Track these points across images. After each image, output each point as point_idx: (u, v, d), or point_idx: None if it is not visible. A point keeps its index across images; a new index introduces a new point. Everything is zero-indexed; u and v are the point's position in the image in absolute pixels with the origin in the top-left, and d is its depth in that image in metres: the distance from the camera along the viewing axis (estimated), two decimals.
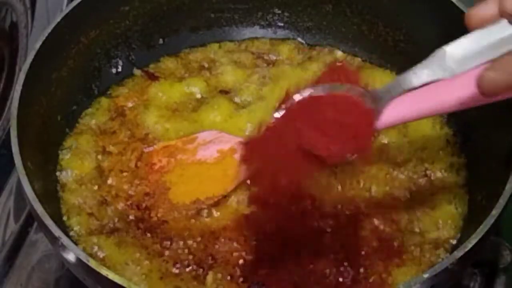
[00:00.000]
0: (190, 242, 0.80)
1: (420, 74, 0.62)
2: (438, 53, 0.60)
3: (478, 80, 0.59)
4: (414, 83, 0.63)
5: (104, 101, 0.95)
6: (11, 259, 0.91)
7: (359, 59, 1.01)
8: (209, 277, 0.77)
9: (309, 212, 0.83)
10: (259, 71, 0.99)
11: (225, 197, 0.83)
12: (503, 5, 0.57)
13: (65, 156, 0.88)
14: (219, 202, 0.83)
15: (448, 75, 0.60)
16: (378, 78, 0.97)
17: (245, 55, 1.01)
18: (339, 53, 1.02)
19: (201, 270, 0.78)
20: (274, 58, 1.02)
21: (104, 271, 0.66)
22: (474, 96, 0.74)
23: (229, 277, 0.77)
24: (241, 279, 0.77)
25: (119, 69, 0.98)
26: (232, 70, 0.99)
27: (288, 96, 0.67)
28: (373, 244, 0.80)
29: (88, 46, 0.93)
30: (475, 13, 0.58)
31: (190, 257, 0.79)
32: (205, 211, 0.83)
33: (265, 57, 1.02)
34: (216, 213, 0.83)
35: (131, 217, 0.81)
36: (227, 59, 1.01)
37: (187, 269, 0.78)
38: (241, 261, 0.79)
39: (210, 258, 0.79)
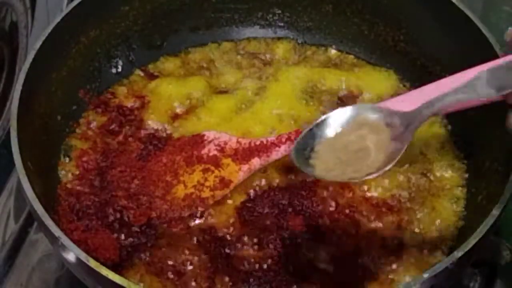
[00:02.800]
0: (189, 241, 0.80)
1: (456, 94, 0.61)
2: (477, 76, 0.59)
3: (507, 122, 0.58)
4: (447, 104, 0.62)
5: (104, 101, 0.95)
6: (11, 259, 0.91)
7: (352, 56, 1.01)
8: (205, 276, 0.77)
9: (309, 211, 0.83)
10: (257, 71, 0.99)
11: (225, 197, 0.84)
12: None
13: (65, 156, 0.88)
14: (219, 202, 0.83)
15: (486, 96, 0.59)
16: (378, 78, 0.97)
17: (243, 55, 1.02)
18: (333, 52, 1.02)
19: (199, 269, 0.78)
20: (271, 57, 1.02)
21: (104, 271, 0.66)
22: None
23: (227, 278, 0.77)
24: (240, 278, 0.77)
25: (119, 69, 0.98)
26: (230, 70, 0.99)
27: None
28: (373, 244, 0.80)
29: (88, 46, 0.93)
30: None
31: (190, 257, 0.79)
32: (205, 211, 0.83)
33: (262, 57, 1.02)
34: (216, 213, 0.83)
35: (131, 217, 0.81)
36: (225, 59, 1.01)
37: (187, 269, 0.78)
38: (240, 260, 0.79)
39: (209, 257, 0.79)
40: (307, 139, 0.72)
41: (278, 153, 0.83)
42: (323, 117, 0.71)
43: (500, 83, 0.57)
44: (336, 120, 0.71)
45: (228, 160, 0.84)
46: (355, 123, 0.70)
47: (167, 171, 0.84)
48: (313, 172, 0.72)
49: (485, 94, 0.58)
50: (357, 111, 0.70)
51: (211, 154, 0.85)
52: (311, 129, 0.72)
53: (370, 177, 0.69)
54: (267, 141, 0.84)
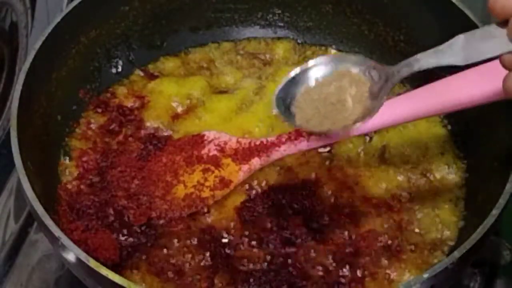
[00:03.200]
0: (189, 242, 0.80)
1: (433, 57, 0.62)
2: (454, 40, 0.60)
3: (504, 83, 0.58)
4: (425, 65, 0.63)
5: (104, 101, 0.95)
6: (11, 259, 0.91)
7: None
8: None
9: (308, 211, 0.83)
10: (256, 71, 0.99)
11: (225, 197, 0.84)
12: None
13: (65, 156, 0.88)
14: (219, 202, 0.83)
15: (460, 61, 0.60)
16: None
17: (242, 55, 1.02)
18: (332, 52, 1.02)
19: (199, 269, 0.78)
20: (271, 57, 1.02)
21: (104, 271, 0.66)
22: (473, 97, 0.75)
23: (227, 278, 0.77)
24: (240, 278, 0.77)
25: (119, 69, 0.98)
26: (230, 70, 0.99)
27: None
28: (373, 244, 0.80)
29: (88, 46, 0.93)
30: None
31: (190, 257, 0.79)
32: (205, 211, 0.83)
33: (262, 57, 1.02)
34: (215, 214, 0.83)
35: (131, 217, 0.81)
36: (225, 59, 1.01)
37: (187, 269, 0.78)
38: (239, 260, 0.79)
39: (209, 257, 0.79)
40: (289, 87, 0.72)
41: (278, 153, 0.83)
42: (305, 65, 0.71)
43: (471, 51, 0.58)
44: (319, 69, 0.71)
45: (228, 160, 0.84)
46: (337, 74, 0.70)
47: (167, 171, 0.84)
48: (294, 121, 0.72)
49: (460, 59, 0.59)
50: (340, 62, 0.70)
51: (211, 154, 0.85)
52: (293, 77, 0.72)
53: (347, 130, 0.69)
54: (267, 141, 0.84)
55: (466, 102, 0.75)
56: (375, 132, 0.89)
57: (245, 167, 0.83)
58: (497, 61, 0.72)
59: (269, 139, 0.84)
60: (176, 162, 0.85)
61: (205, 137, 0.86)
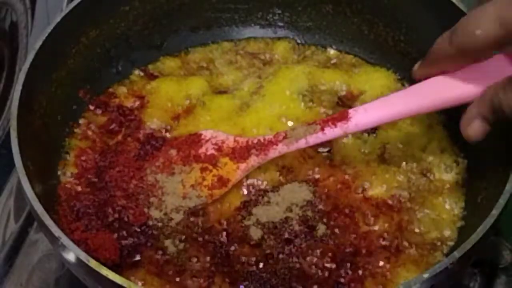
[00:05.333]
0: (189, 241, 0.80)
1: None
2: None
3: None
4: None
5: (104, 101, 0.95)
6: (11, 259, 0.91)
7: (351, 56, 1.01)
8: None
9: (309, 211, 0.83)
10: (256, 70, 0.99)
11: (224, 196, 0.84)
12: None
13: (65, 156, 0.88)
14: (218, 202, 0.83)
15: None
16: (378, 78, 0.97)
17: (242, 55, 1.02)
18: (332, 52, 1.02)
19: (199, 269, 0.78)
20: (271, 57, 1.02)
21: (104, 271, 0.66)
22: (470, 93, 0.75)
23: (227, 277, 0.77)
24: (239, 278, 0.77)
25: (119, 69, 0.98)
26: (230, 70, 0.99)
27: None
28: (373, 244, 0.80)
29: (88, 46, 0.93)
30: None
31: (190, 256, 0.79)
32: (205, 211, 0.83)
33: (262, 57, 1.02)
34: (215, 213, 0.83)
35: (130, 217, 0.81)
36: (225, 59, 1.01)
37: (187, 268, 0.78)
38: (239, 260, 0.79)
39: (209, 257, 0.79)
40: None
41: (275, 151, 0.83)
42: None
43: None
44: None
45: (226, 159, 0.84)
46: None
47: (167, 170, 0.84)
48: None
49: None
50: None
51: (208, 153, 0.85)
52: None
53: None
54: (264, 139, 0.84)
55: (463, 98, 0.75)
56: (375, 132, 0.89)
57: (242, 166, 0.83)
58: (494, 59, 0.73)
59: (266, 137, 0.84)
60: (173, 161, 0.85)
61: (203, 136, 0.86)
